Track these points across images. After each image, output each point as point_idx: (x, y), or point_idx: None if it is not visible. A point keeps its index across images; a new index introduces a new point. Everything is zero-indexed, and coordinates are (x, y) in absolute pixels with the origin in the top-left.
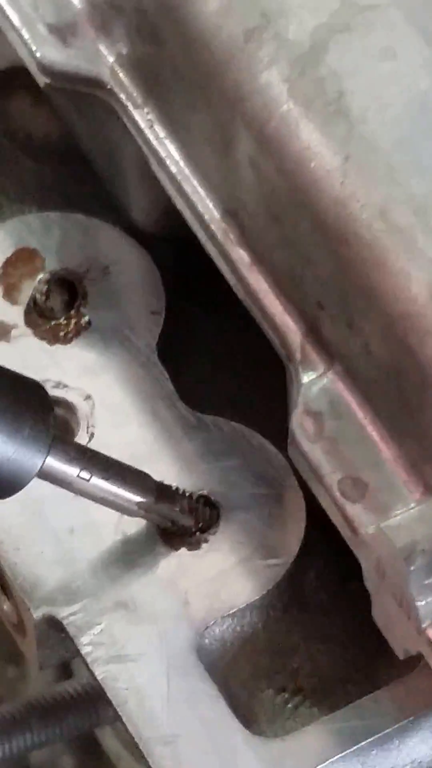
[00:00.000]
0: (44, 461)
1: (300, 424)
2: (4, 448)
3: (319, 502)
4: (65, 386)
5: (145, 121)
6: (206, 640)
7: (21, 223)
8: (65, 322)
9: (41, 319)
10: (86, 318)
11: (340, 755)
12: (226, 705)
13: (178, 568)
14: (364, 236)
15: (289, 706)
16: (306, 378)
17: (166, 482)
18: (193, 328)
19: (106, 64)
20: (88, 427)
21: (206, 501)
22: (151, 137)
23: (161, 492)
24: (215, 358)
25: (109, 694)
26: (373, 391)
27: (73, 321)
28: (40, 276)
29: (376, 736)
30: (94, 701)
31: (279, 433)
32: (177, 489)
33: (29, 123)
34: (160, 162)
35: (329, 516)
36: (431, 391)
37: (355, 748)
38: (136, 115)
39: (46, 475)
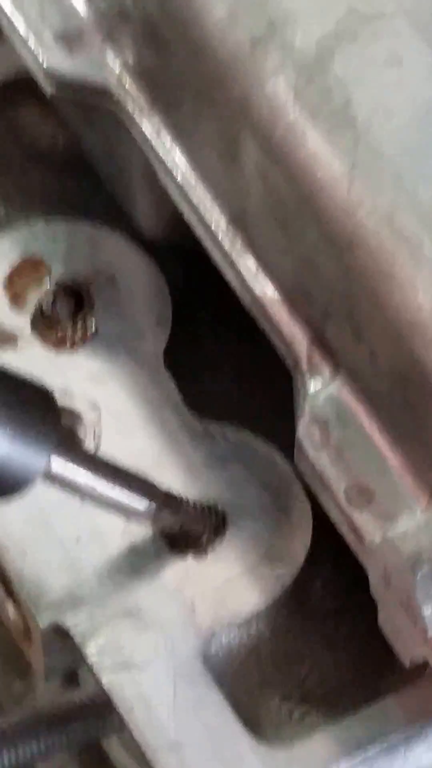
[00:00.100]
0: (49, 462)
1: (306, 432)
2: (10, 447)
3: (325, 510)
4: (71, 394)
5: (152, 129)
6: (212, 648)
7: (27, 231)
8: (72, 330)
9: (48, 327)
10: (93, 326)
11: (345, 763)
12: (232, 712)
13: (185, 576)
14: (371, 244)
15: (296, 713)
16: (312, 386)
17: (173, 490)
18: (200, 336)
19: (112, 72)
20: (94, 435)
21: (213, 509)
22: (157, 145)
23: (167, 499)
24: (222, 367)
25: (115, 702)
26: (379, 400)
27: (79, 329)
28: (47, 284)
29: (383, 744)
30: (101, 710)
31: (285, 441)
32: (182, 497)
33: (36, 131)
34: (167, 170)
35: (335, 524)
36: None
37: (361, 756)
38: (143, 124)
39: (51, 477)
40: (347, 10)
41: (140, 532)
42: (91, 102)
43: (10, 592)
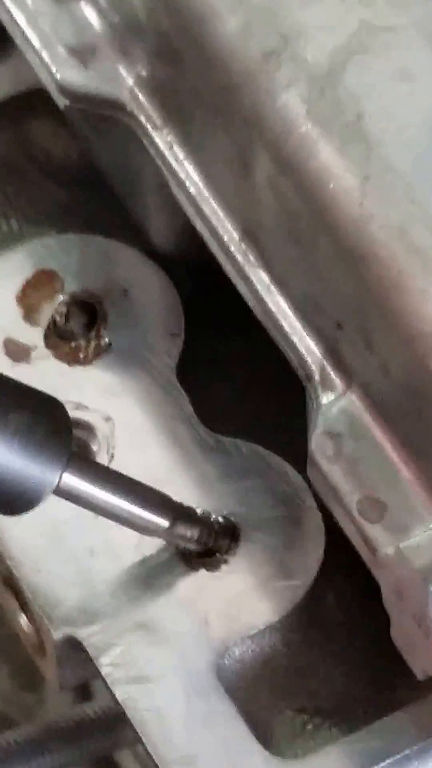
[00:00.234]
0: (61, 476)
1: (319, 444)
2: (22, 462)
3: (337, 522)
4: (85, 408)
5: (165, 142)
6: (226, 661)
7: (40, 245)
8: (85, 343)
9: (61, 340)
10: (106, 340)
11: None
12: (245, 726)
13: (198, 589)
14: (383, 256)
15: (309, 726)
16: (325, 399)
17: (186, 504)
18: (212, 349)
19: (125, 85)
20: (108, 449)
21: (226, 522)
22: (170, 159)
23: (180, 512)
24: (234, 380)
25: (129, 715)
26: (392, 412)
27: (92, 343)
28: (60, 298)
29: (396, 757)
30: (114, 723)
31: (298, 454)
32: (195, 510)
33: (49, 145)
34: (180, 183)
35: (348, 537)
36: None
37: None
38: (156, 137)
39: (63, 491)
40: (359, 23)
41: (153, 545)
42: (103, 115)
43: (24, 605)
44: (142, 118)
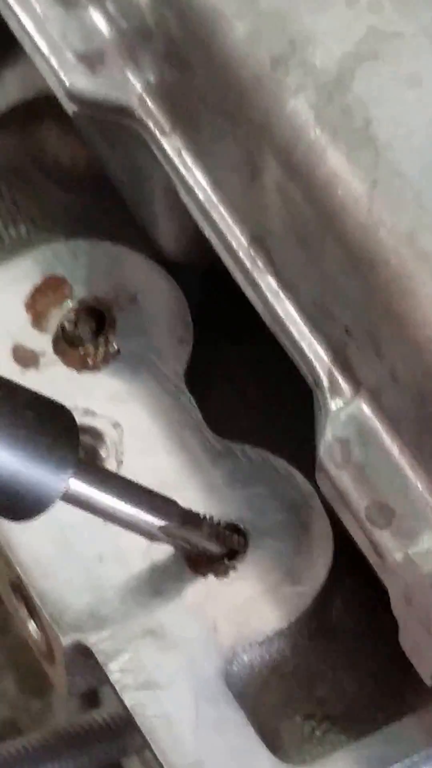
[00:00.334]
0: (69, 483)
1: (327, 450)
2: (29, 468)
3: (346, 528)
4: (93, 414)
5: (173, 148)
6: (234, 667)
7: (49, 251)
8: (93, 350)
9: (69, 347)
10: (114, 346)
11: None
12: (254, 732)
13: (206, 595)
14: (392, 262)
15: (317, 732)
16: (333, 405)
17: (194, 510)
18: (221, 355)
19: (133, 91)
20: (116, 455)
21: (234, 528)
22: (179, 165)
23: (187, 518)
24: (242, 386)
25: (137, 721)
26: (400, 418)
27: (101, 349)
28: (69, 304)
29: (404, 763)
30: (122, 729)
31: (306, 459)
32: (203, 515)
33: (57, 151)
34: (188, 189)
35: (356, 542)
36: None
37: None
38: (164, 143)
39: (70, 497)
40: (367, 29)
41: (162, 551)
42: (112, 121)
43: (33, 612)
44: (151, 124)
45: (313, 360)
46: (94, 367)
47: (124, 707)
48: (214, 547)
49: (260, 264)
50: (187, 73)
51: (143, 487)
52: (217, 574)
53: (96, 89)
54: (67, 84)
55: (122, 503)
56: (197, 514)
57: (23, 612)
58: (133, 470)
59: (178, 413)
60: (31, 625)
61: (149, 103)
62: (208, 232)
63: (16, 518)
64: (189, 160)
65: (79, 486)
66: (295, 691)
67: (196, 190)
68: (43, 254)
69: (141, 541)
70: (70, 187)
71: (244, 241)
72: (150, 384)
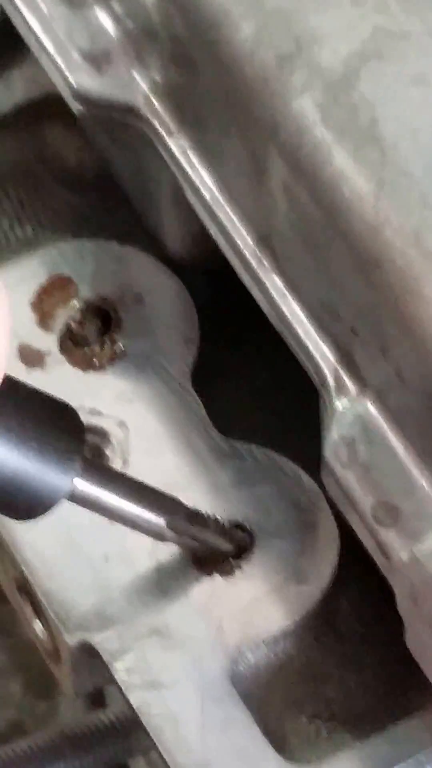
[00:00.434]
0: (74, 482)
1: (333, 450)
2: (34, 467)
3: (352, 528)
4: (99, 413)
5: (179, 148)
6: (240, 667)
7: (55, 251)
8: (99, 349)
9: (75, 346)
10: (120, 345)
11: None
12: (259, 732)
13: (212, 595)
14: (398, 262)
15: (323, 732)
16: (339, 404)
17: (199, 509)
18: (227, 355)
19: (140, 91)
20: (122, 455)
21: (239, 528)
22: (185, 165)
23: (194, 518)
24: (248, 385)
25: (143, 721)
26: (406, 417)
27: (107, 349)
28: (75, 304)
29: (410, 763)
30: (128, 730)
31: (312, 459)
32: (209, 515)
33: (63, 151)
34: (194, 189)
35: (362, 542)
36: None
37: None
38: (170, 143)
39: (75, 497)
40: (373, 28)
41: (168, 551)
42: (118, 121)
43: (38, 611)
44: (157, 124)
45: (318, 359)
46: (100, 367)
47: (130, 707)
48: (222, 544)
49: (266, 263)
50: (193, 72)
51: (149, 487)
52: (222, 573)
53: (102, 89)
54: (74, 84)
55: (128, 502)
56: (204, 515)
57: (29, 611)
58: (139, 470)
59: (184, 413)
60: (37, 625)
61: (155, 103)
62: (214, 232)
63: (22, 517)
64: (195, 159)
65: (84, 485)
66: (300, 690)
67: (202, 190)
68: (49, 254)
69: (147, 541)
70: (76, 187)
71: (250, 240)
72: (156, 384)
